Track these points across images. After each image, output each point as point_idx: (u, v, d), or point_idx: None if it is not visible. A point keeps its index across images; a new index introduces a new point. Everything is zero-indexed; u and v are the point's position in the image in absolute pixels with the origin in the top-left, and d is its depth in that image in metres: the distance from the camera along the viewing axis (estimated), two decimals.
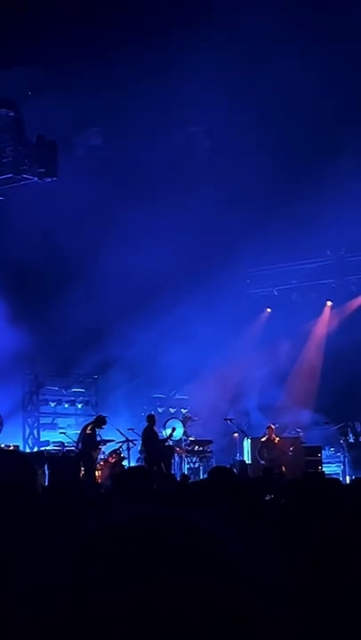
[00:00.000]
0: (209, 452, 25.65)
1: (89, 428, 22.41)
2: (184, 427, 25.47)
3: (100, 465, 22.33)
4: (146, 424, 23.27)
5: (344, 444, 25.73)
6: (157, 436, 23.42)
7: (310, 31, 23.34)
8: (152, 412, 25.01)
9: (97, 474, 21.63)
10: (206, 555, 1.47)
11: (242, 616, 1.44)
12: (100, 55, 23.00)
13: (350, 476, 22.84)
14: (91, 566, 1.50)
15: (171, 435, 24.65)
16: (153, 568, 1.46)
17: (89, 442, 22.02)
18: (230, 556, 1.51)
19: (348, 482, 19.06)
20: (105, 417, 22.70)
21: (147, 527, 1.53)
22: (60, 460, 22.57)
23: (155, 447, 22.76)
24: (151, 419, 23.41)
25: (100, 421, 22.43)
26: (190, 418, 26.38)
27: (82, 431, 22.78)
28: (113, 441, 23.07)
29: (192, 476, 23.43)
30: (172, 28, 23.06)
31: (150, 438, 22.88)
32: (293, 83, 23.20)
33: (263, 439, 23.86)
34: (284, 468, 22.27)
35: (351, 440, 26.14)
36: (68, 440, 24.17)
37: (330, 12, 23.44)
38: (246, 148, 24.29)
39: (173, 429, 24.96)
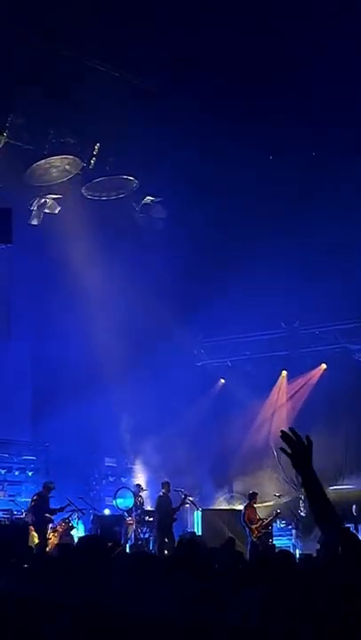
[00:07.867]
0: None
1: (35, 497, 22.31)
2: (135, 497, 25.22)
3: (50, 534, 22.08)
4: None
5: (295, 517, 25.61)
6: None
7: None
8: (103, 481, 24.82)
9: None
10: None
11: None
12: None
13: (300, 550, 22.66)
14: None
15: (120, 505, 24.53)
16: None
17: (35, 510, 21.88)
18: None
19: (298, 555, 18.92)
20: (51, 483, 22.56)
21: None
22: (7, 529, 22.19)
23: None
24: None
25: (46, 488, 22.32)
26: (142, 488, 26.11)
27: (31, 500, 22.61)
28: (63, 509, 22.80)
29: (142, 547, 23.22)
30: None
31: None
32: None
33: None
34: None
35: (302, 514, 26.04)
36: (18, 508, 23.93)
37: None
38: (200, 219, 24.45)
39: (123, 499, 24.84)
